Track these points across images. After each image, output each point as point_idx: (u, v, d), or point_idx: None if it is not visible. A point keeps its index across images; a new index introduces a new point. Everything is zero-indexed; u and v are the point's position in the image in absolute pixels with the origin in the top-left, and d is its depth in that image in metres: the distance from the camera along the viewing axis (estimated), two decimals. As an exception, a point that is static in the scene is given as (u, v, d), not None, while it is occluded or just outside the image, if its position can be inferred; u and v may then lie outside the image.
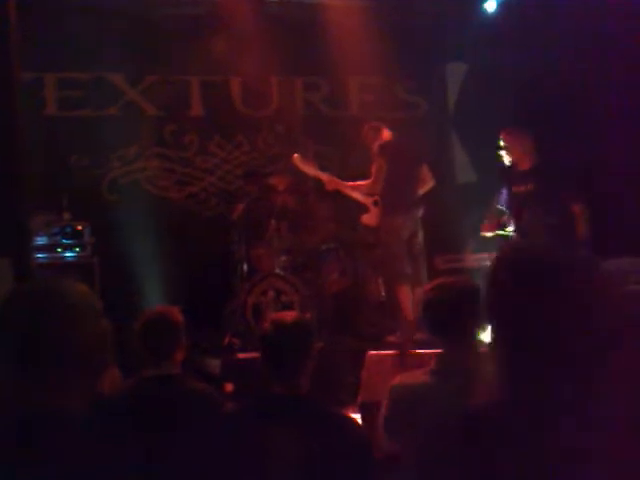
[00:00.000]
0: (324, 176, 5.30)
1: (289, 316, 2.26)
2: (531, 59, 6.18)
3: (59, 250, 5.65)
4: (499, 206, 4.75)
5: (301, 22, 6.60)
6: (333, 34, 6.37)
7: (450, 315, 2.34)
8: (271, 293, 5.38)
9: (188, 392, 2.55)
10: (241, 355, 5.03)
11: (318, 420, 2.11)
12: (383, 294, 5.23)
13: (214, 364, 4.99)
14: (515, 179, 4.71)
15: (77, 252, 5.66)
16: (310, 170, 5.36)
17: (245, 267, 5.78)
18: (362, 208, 5.10)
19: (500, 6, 6.97)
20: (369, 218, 5.02)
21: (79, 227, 5.68)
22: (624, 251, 3.94)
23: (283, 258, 5.62)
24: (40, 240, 5.55)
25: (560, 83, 6.16)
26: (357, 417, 3.60)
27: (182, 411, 2.45)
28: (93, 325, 1.46)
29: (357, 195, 5.15)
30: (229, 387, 4.60)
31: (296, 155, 5.36)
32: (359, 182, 5.27)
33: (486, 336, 2.19)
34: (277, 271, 5.49)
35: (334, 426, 2.11)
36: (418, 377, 2.39)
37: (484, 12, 7.06)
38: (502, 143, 4.73)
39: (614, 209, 5.26)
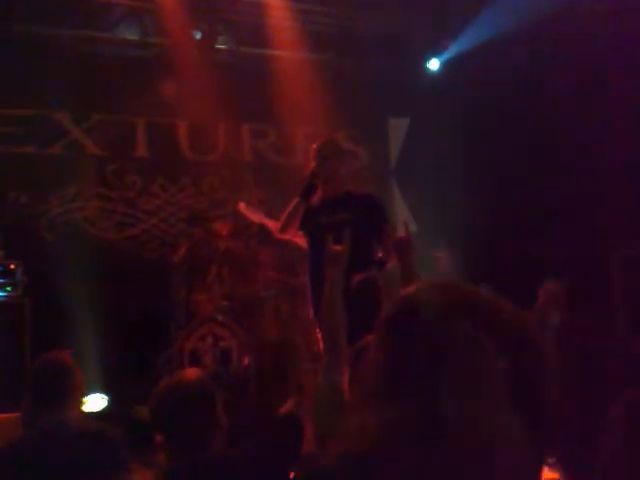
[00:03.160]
0: (271, 223, 5.29)
1: (180, 381, 2.10)
2: (473, 115, 6.41)
3: (-11, 289, 5.44)
4: None
5: (250, 71, 6.69)
6: (281, 84, 6.48)
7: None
8: (209, 339, 5.29)
9: (80, 433, 2.49)
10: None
11: None
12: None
13: (145, 412, 4.84)
14: None
15: (8, 291, 5.46)
16: (257, 217, 5.36)
17: (184, 311, 5.68)
18: (304, 255, 5.11)
19: (443, 65, 7.28)
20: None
21: (12, 266, 5.48)
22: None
23: (223, 304, 5.55)
24: (-30, 278, 5.36)
25: (501, 139, 6.40)
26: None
27: (74, 452, 2.39)
28: None
29: (302, 243, 5.16)
30: (159, 437, 4.45)
31: (242, 204, 5.36)
32: None
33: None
34: (216, 317, 5.41)
35: None
36: None
37: (428, 70, 7.35)
38: None
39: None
